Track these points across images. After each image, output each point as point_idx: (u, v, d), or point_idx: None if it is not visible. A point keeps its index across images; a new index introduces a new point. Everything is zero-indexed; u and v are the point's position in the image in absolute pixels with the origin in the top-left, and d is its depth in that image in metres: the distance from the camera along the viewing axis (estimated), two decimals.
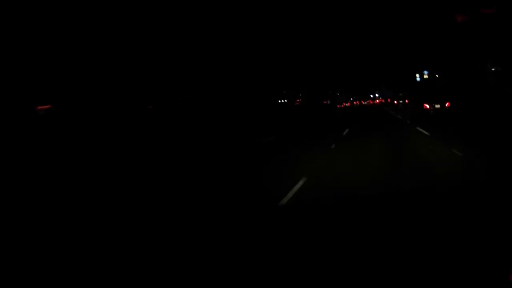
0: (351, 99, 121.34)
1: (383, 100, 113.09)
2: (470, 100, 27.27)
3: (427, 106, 28.27)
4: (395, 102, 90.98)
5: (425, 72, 44.88)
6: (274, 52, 48.55)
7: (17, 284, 3.42)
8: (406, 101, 76.67)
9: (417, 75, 48.16)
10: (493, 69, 27.58)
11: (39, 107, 27.35)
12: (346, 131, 19.44)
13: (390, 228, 4.34)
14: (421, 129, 16.96)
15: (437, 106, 27.68)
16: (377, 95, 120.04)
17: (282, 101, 57.76)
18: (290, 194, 6.26)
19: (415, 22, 37.82)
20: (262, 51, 44.23)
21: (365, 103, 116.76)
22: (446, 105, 27.40)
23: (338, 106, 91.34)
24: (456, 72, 33.54)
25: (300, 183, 7.07)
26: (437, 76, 39.15)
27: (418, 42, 42.45)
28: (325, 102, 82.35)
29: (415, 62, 47.72)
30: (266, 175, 8.49)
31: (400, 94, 58.28)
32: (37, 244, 4.50)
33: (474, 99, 26.89)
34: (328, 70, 74.94)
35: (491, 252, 3.40)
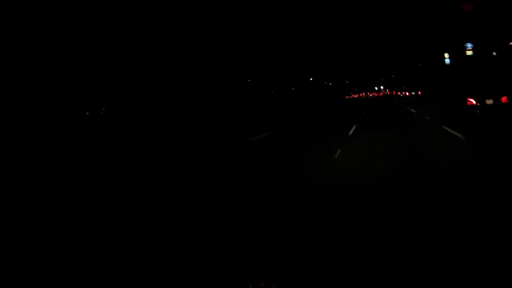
0: (355, 89, 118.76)
1: (387, 92, 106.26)
2: None
3: (473, 101, 19.37)
4: (406, 93, 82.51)
5: (469, 45, 29.26)
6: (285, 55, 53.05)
7: (17, 284, 3.41)
8: (419, 92, 68.02)
9: (446, 56, 35.32)
10: None
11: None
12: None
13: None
14: None
15: (489, 101, 18.62)
16: (382, 87, 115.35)
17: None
18: None
19: None
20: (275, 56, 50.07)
21: (371, 95, 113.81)
22: (502, 100, 18.37)
23: (347, 97, 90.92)
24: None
25: None
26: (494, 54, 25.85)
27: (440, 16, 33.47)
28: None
29: (440, 41, 36.71)
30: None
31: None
32: (35, 243, 4.52)
33: None
34: (331, 61, 71.96)
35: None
